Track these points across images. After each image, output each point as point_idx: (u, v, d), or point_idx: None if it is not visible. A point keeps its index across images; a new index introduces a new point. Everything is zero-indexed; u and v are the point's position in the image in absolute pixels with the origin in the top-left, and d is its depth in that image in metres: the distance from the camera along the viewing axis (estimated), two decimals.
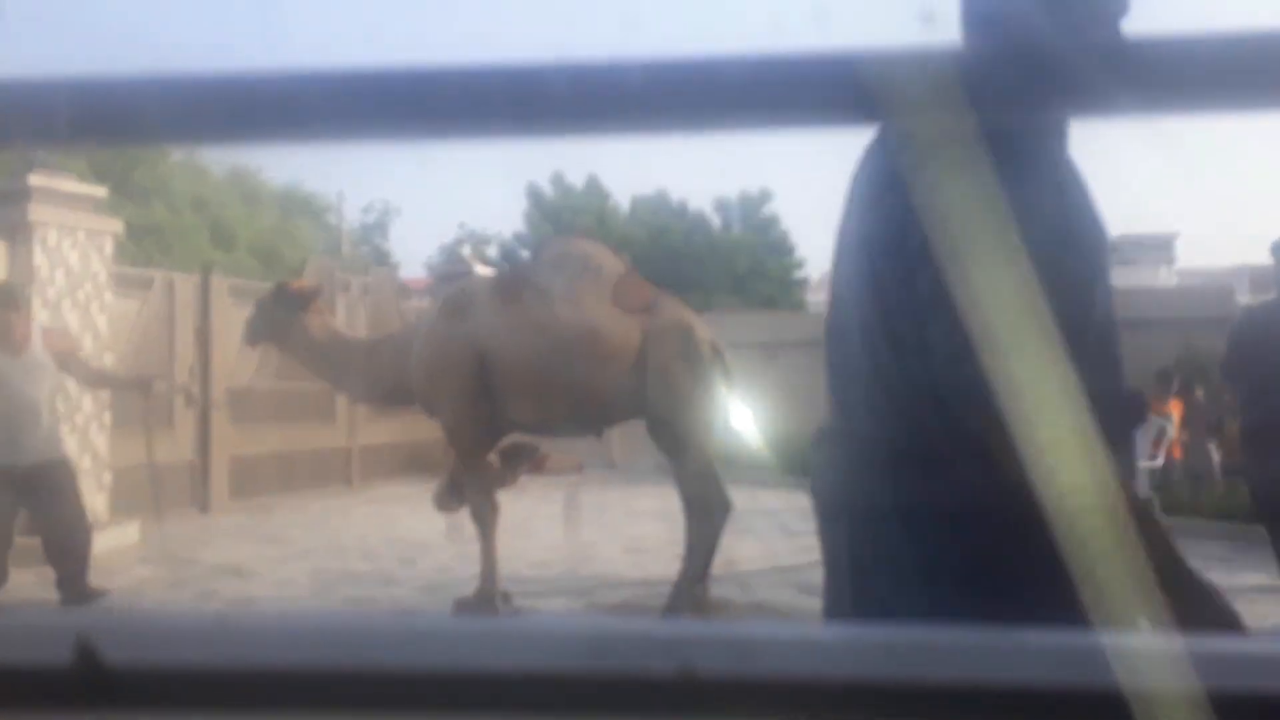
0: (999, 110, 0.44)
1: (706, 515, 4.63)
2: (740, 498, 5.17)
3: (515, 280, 5.00)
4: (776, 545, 6.54)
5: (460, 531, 4.88)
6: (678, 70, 0.37)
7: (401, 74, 0.38)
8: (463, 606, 4.77)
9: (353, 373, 5.24)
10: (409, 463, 10.81)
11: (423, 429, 8.52)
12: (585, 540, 6.91)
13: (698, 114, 0.39)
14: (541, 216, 18.33)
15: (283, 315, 5.17)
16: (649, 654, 0.37)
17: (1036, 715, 0.38)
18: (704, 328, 4.81)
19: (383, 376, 5.14)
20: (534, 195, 18.67)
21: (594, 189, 18.61)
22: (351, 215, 24.35)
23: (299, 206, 22.00)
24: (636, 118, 0.39)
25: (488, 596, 4.77)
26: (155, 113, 0.39)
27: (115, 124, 0.40)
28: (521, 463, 5.26)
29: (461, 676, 0.37)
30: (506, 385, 4.71)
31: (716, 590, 4.88)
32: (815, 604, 5.02)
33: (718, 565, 4.86)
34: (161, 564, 6.17)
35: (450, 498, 5.18)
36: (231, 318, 8.87)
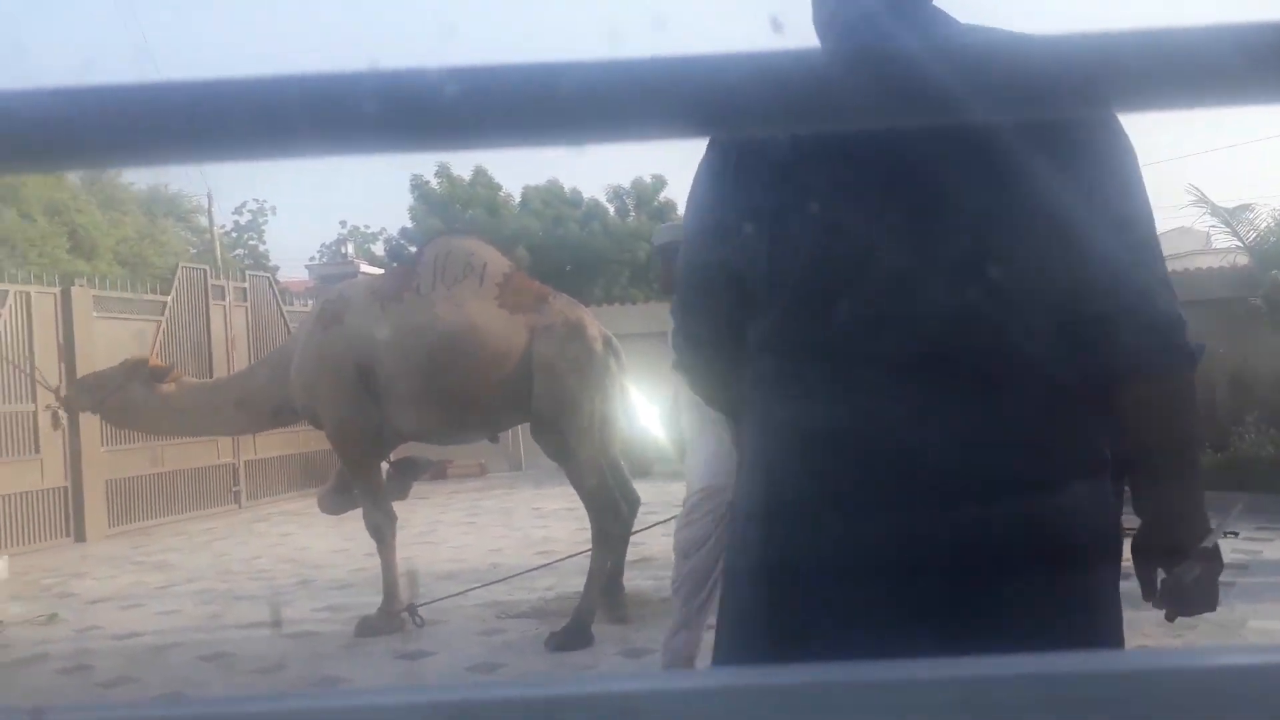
0: (855, 116, 0.44)
1: (612, 513, 4.54)
2: (649, 491, 5.09)
3: (396, 282, 4.80)
4: None
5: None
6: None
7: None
8: (366, 627, 4.54)
9: (229, 411, 5.07)
10: (301, 476, 10.33)
11: (313, 440, 8.16)
12: (493, 546, 6.73)
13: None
14: (429, 210, 17.73)
15: (140, 389, 4.93)
16: None
17: None
18: (596, 323, 4.70)
19: (265, 399, 4.96)
20: (419, 189, 18.06)
21: (482, 180, 18.11)
22: (223, 216, 23.23)
23: (165, 209, 20.87)
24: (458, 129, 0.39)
25: (392, 613, 4.56)
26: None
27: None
28: (413, 477, 5.03)
29: None
30: (390, 393, 4.52)
31: (631, 585, 4.80)
32: None
33: (630, 559, 4.78)
34: (35, 600, 5.71)
35: (336, 501, 4.94)
36: (98, 331, 8.31)
